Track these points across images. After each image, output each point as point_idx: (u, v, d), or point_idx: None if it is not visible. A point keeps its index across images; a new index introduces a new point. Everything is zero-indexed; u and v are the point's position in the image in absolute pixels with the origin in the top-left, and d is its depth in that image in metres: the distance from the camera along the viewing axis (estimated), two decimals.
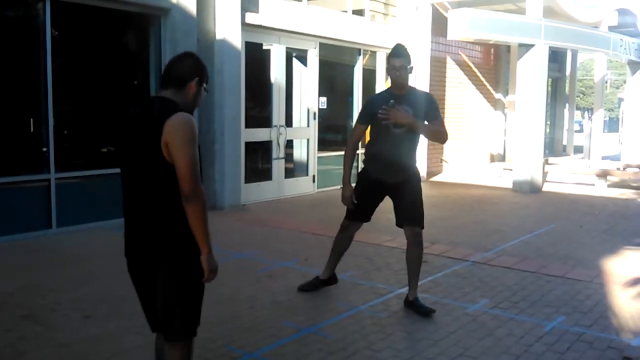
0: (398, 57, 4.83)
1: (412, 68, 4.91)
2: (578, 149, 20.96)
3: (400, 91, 4.91)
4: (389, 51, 5.04)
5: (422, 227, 5.08)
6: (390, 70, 4.89)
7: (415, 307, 4.98)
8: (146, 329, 3.13)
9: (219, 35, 9.05)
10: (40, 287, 5.44)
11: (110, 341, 4.27)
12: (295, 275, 5.96)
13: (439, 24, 13.07)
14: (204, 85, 2.99)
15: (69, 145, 7.83)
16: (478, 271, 6.26)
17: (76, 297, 5.18)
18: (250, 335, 4.41)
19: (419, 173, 5.23)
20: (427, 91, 5.29)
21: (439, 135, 5.05)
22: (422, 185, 5.22)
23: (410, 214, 5.04)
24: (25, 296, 5.19)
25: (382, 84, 13.32)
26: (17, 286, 5.45)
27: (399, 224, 5.15)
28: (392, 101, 4.77)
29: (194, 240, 2.80)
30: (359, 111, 5.37)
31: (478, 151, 15.98)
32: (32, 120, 7.57)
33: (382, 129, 4.93)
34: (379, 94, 5.28)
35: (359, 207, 5.25)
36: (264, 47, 10.35)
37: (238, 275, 5.83)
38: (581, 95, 47.41)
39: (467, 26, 11.43)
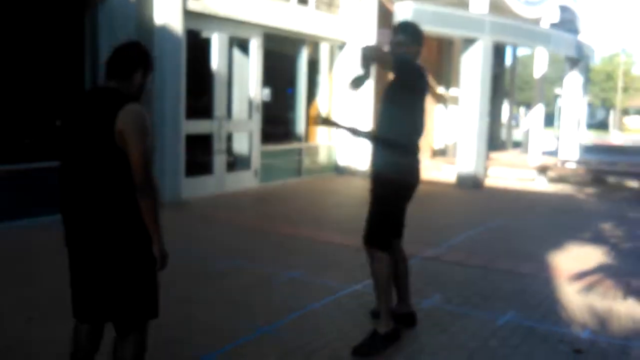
0: (396, 32, 4.35)
1: (416, 48, 4.31)
2: (516, 144, 21.40)
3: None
4: (333, 42, 4.71)
5: (368, 244, 4.35)
6: (390, 46, 4.39)
7: (362, 339, 4.20)
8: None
9: (158, 22, 8.70)
10: None
11: (58, 343, 3.98)
12: (246, 273, 5.81)
13: (384, 16, 13.00)
14: (148, 75, 2.95)
15: (3, 138, 7.39)
16: (428, 267, 6.24)
17: (16, 298, 4.91)
18: (205, 335, 4.28)
19: (398, 170, 4.28)
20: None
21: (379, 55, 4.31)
22: None
23: (365, 229, 4.38)
24: None
25: (325, 75, 13.19)
26: None
27: None
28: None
29: (144, 229, 2.79)
30: None
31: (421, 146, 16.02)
32: None
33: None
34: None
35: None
36: (206, 36, 10.04)
37: (188, 275, 5.60)
38: (518, 91, 48.68)
39: (413, 18, 11.37)
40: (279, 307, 4.90)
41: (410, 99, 4.22)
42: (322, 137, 13.28)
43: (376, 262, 4.26)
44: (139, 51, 2.91)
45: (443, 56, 17.02)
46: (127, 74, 2.85)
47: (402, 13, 11.37)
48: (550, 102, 43.30)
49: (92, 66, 8.19)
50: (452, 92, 16.54)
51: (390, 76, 4.31)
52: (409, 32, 4.33)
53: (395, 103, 4.21)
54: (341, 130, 4.38)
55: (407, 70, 4.18)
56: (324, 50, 13.08)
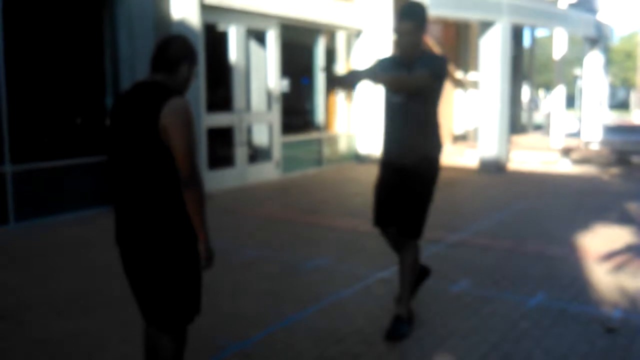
0: (402, 19, 3.97)
1: (423, 33, 4.04)
2: (537, 127, 21.23)
3: (407, 58, 4.05)
4: (349, 30, 4.43)
5: (412, 237, 4.21)
6: (395, 33, 4.07)
7: (391, 325, 4.18)
8: (126, 323, 3.01)
9: (176, 17, 8.74)
10: (6, 285, 5.21)
11: (88, 336, 4.13)
12: (272, 263, 5.84)
13: (400, 2, 12.93)
14: (195, 68, 2.95)
15: (25, 136, 7.47)
16: (456, 252, 6.24)
17: (45, 293, 4.98)
18: (236, 325, 4.31)
19: (435, 159, 4.21)
20: (443, 56, 4.46)
21: (401, 84, 3.99)
22: None
23: (402, 217, 4.21)
24: None
25: (343, 64, 13.17)
26: None
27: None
28: (323, 70, 3.77)
29: (189, 226, 2.77)
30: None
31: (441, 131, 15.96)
32: None
33: (385, 100, 4.19)
34: (386, 58, 4.34)
35: (378, 205, 4.39)
36: (223, 29, 10.06)
37: (214, 265, 5.62)
38: (537, 73, 48.19)
39: (430, 4, 11.31)
40: (306, 294, 4.92)
41: (440, 88, 4.12)
42: (341, 126, 13.28)
43: (415, 251, 4.23)
44: (184, 45, 2.90)
45: (460, 40, 16.91)
46: (173, 68, 2.84)
47: None
48: (570, 84, 42.87)
49: (111, 61, 8.26)
50: (471, 76, 16.43)
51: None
52: (417, 17, 3.99)
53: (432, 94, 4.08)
54: (362, 82, 3.86)
55: (443, 73, 4.06)
56: (340, 39, 13.05)
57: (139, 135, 2.71)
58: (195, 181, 2.71)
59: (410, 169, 4.11)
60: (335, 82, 3.82)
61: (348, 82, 3.86)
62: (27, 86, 7.53)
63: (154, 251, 2.77)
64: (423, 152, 4.13)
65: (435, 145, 4.21)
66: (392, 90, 4.06)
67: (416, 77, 3.92)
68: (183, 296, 2.85)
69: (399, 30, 4.00)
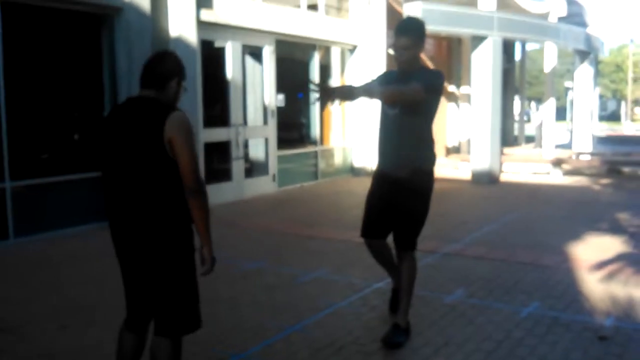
0: (400, 35, 4.05)
1: (421, 46, 4.13)
2: (528, 139, 21.40)
3: (405, 72, 4.12)
4: (343, 46, 4.53)
5: (407, 249, 4.33)
6: (393, 49, 4.16)
7: (388, 333, 4.25)
8: None
9: (173, 34, 8.88)
10: (8, 298, 5.26)
11: (92, 351, 4.17)
12: (269, 275, 5.91)
13: (393, 18, 13.11)
14: (183, 83, 3.03)
15: (24, 152, 7.56)
16: (450, 262, 6.32)
17: (46, 307, 5.03)
18: (235, 336, 4.36)
19: (429, 172, 4.29)
20: (440, 71, 4.44)
21: (397, 95, 4.01)
22: None
23: (398, 229, 4.32)
24: None
25: (337, 79, 13.31)
26: None
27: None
28: (315, 84, 3.84)
29: (190, 236, 2.88)
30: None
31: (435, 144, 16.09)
32: None
33: (381, 112, 4.29)
34: (385, 73, 4.51)
35: (367, 216, 4.48)
36: (220, 45, 10.19)
37: (213, 277, 5.64)
38: (528, 86, 48.61)
39: (422, 19, 11.49)
40: (304, 306, 4.98)
41: (435, 102, 4.21)
42: (336, 140, 13.40)
43: (410, 263, 4.31)
44: (173, 61, 2.99)
45: (452, 54, 17.10)
46: (163, 83, 2.93)
47: (410, 13, 11.46)
48: (561, 96, 43.19)
49: (110, 78, 8.35)
50: (463, 90, 16.60)
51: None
52: (414, 33, 4.06)
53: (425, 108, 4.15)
54: (356, 96, 3.91)
55: (437, 86, 4.14)
56: (335, 55, 13.21)
57: (143, 148, 2.80)
58: (200, 189, 2.82)
59: (404, 181, 4.18)
60: (330, 94, 3.83)
61: (343, 94, 3.91)
62: (26, 102, 7.62)
63: (159, 259, 2.86)
64: (417, 164, 4.20)
65: (428, 157, 4.28)
66: (387, 103, 4.14)
67: (409, 89, 3.94)
68: (186, 301, 2.95)
69: (396, 46, 4.08)
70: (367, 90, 4.03)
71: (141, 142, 2.81)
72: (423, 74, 4.10)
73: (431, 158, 4.30)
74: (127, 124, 2.88)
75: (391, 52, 4.32)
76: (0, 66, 7.05)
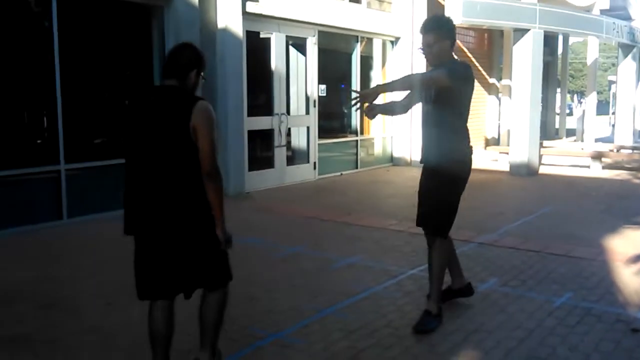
0: (424, 32, 4.26)
1: (451, 43, 4.26)
2: (569, 132, 21.18)
3: (433, 64, 4.32)
4: (385, 38, 4.73)
5: (434, 234, 4.47)
6: (421, 49, 4.35)
7: (420, 319, 4.38)
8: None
9: (220, 25, 9.12)
10: (57, 276, 5.52)
11: (136, 326, 4.31)
12: (307, 260, 6.08)
13: (435, 10, 13.15)
14: (202, 74, 3.28)
15: (78, 137, 7.90)
16: (484, 252, 6.40)
17: (94, 285, 5.27)
18: (272, 317, 4.52)
19: (461, 162, 4.39)
20: (466, 63, 4.70)
21: (421, 81, 4.30)
22: None
23: (428, 218, 4.48)
24: (44, 285, 5.26)
25: (378, 70, 13.43)
26: (34, 276, 5.52)
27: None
28: (356, 92, 4.23)
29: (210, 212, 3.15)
30: None
31: (473, 136, 16.04)
32: (41, 112, 7.66)
33: (421, 108, 4.52)
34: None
35: (418, 206, 4.59)
36: (264, 36, 10.42)
37: (252, 260, 5.94)
38: (570, 79, 47.78)
39: (463, 12, 11.53)
40: (340, 290, 5.12)
41: (465, 93, 4.35)
42: (376, 130, 13.53)
43: (440, 250, 4.43)
44: (192, 53, 3.25)
45: (494, 47, 17.01)
46: (183, 74, 3.19)
47: (452, 6, 11.52)
48: (605, 90, 42.38)
49: (160, 66, 8.61)
50: (504, 82, 16.54)
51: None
52: (437, 29, 4.22)
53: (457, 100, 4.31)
54: (396, 112, 4.48)
55: (461, 73, 4.25)
56: (376, 46, 13.33)
57: (171, 133, 3.06)
58: (216, 174, 3.09)
59: (438, 170, 4.34)
60: (372, 109, 4.24)
61: (384, 110, 4.37)
62: (80, 90, 7.94)
63: (191, 229, 3.13)
64: (451, 155, 4.33)
65: (462, 148, 4.41)
66: (413, 88, 4.38)
67: (432, 74, 4.19)
68: (221, 258, 3.28)
69: (422, 44, 4.29)
70: (388, 87, 4.36)
71: (169, 127, 3.06)
72: (449, 64, 4.25)
73: (465, 149, 4.43)
74: (156, 110, 3.13)
75: (420, 52, 4.48)
76: (56, 56, 7.38)
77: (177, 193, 3.09)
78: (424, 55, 4.38)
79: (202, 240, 3.18)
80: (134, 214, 3.21)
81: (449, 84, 4.12)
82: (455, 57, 4.51)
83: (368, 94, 4.26)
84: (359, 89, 12.63)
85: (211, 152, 3.07)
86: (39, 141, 7.88)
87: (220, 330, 3.43)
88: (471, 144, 4.50)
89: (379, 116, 12.68)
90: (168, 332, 3.31)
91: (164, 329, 3.29)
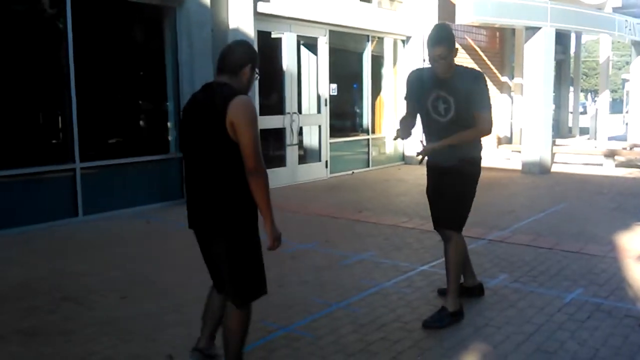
0: (435, 45, 4.17)
1: (456, 50, 4.23)
2: (583, 131, 21.08)
3: (443, 75, 4.28)
4: (396, 37, 4.70)
5: (448, 227, 4.50)
6: (429, 59, 4.26)
7: (433, 314, 4.45)
8: (183, 307, 3.39)
9: (232, 25, 9.20)
10: (73, 271, 5.63)
11: (150, 318, 4.46)
12: (317, 256, 6.15)
13: (445, 9, 13.17)
14: (256, 70, 3.23)
15: (93, 136, 8.02)
16: (495, 248, 6.43)
17: (109, 279, 5.37)
18: (282, 311, 4.58)
19: (474, 160, 4.50)
20: (476, 70, 4.64)
21: (475, 137, 4.39)
22: None
23: (442, 213, 4.54)
24: (60, 280, 5.37)
25: (390, 69, 13.46)
26: (50, 271, 5.64)
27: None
28: (424, 145, 4.41)
29: (253, 212, 3.09)
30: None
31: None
32: (56, 112, 7.78)
33: (423, 113, 4.52)
34: (422, 70, 4.65)
35: (430, 208, 4.75)
36: (276, 36, 10.50)
37: (264, 256, 5.97)
38: (584, 77, 47.49)
39: (475, 10, 11.54)
40: (350, 285, 5.18)
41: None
42: (388, 129, 13.57)
43: (455, 244, 4.46)
44: (247, 49, 3.23)
45: (506, 45, 16.97)
46: (236, 70, 3.15)
47: (463, 5, 11.54)
48: (619, 88, 42.10)
49: (172, 66, 8.76)
50: (516, 80, 16.50)
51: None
52: (448, 41, 4.20)
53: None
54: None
55: (487, 95, 4.33)
56: (387, 45, 13.37)
57: (209, 131, 3.03)
58: (260, 171, 3.01)
59: (451, 169, 4.40)
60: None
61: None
62: (94, 89, 8.05)
63: (227, 231, 3.10)
64: (464, 154, 4.39)
65: (474, 147, 4.47)
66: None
67: (483, 128, 4.31)
68: (251, 274, 3.21)
69: (433, 56, 4.20)
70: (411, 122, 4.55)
71: (207, 125, 3.04)
72: (466, 80, 4.28)
73: (477, 147, 4.50)
74: (198, 109, 3.14)
75: (426, 62, 4.45)
76: (70, 56, 7.49)
77: (217, 192, 3.06)
78: (434, 67, 4.27)
79: (239, 244, 3.13)
80: (190, 209, 3.25)
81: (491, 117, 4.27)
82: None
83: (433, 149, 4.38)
84: (370, 89, 12.69)
85: (252, 148, 2.96)
86: (54, 140, 8.01)
87: (243, 346, 3.36)
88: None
89: (390, 115, 12.80)
90: (219, 312, 3.40)
91: (217, 310, 3.40)
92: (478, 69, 15.61)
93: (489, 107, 4.30)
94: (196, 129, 3.12)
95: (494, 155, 15.26)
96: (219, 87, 3.12)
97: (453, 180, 4.43)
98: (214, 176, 3.07)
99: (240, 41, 3.37)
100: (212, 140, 3.04)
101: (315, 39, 11.26)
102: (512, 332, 4.20)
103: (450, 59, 4.21)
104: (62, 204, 7.56)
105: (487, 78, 4.57)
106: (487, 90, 4.34)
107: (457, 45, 4.33)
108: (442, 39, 4.18)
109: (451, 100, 4.25)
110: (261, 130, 9.77)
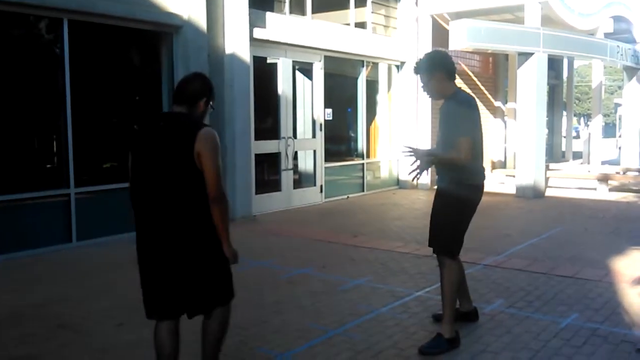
0: (416, 73, 4.56)
1: (446, 73, 4.41)
2: (576, 155, 21.19)
3: (435, 100, 4.54)
4: (390, 62, 4.89)
5: (438, 252, 4.57)
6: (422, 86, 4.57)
7: (428, 341, 4.44)
8: (182, 333, 3.39)
9: (228, 51, 9.27)
10: (69, 298, 5.60)
11: (148, 346, 4.39)
12: (314, 281, 6.14)
13: (439, 35, 13.32)
14: (211, 103, 3.41)
15: (88, 161, 8.02)
16: (491, 274, 6.43)
17: (105, 306, 5.35)
18: (279, 337, 4.57)
19: (470, 185, 4.52)
20: (466, 95, 4.57)
21: (449, 161, 4.42)
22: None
23: (431, 235, 4.64)
24: (56, 307, 5.33)
25: (384, 94, 13.55)
26: (45, 298, 5.60)
27: None
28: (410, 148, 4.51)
29: (215, 232, 3.25)
30: None
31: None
32: (52, 137, 7.80)
33: None
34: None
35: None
36: (271, 61, 10.58)
37: (260, 282, 6.01)
38: (577, 102, 47.83)
39: (468, 36, 11.67)
40: (347, 311, 5.18)
41: (469, 122, 4.41)
42: (382, 153, 13.63)
43: (449, 270, 4.47)
44: (202, 82, 3.38)
45: (499, 70, 17.14)
46: (193, 102, 3.32)
47: (456, 31, 11.66)
48: (611, 112, 42.43)
49: (169, 91, 8.77)
50: (509, 105, 16.64)
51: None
52: (424, 69, 4.41)
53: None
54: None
55: (469, 115, 4.38)
56: (382, 70, 13.47)
57: (175, 158, 3.16)
58: (221, 198, 3.20)
59: (440, 191, 4.57)
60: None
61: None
62: (90, 114, 8.07)
63: (194, 250, 3.22)
64: (459, 177, 4.43)
65: (470, 171, 4.48)
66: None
67: (452, 154, 4.31)
68: (222, 281, 3.36)
69: (421, 81, 4.52)
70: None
71: (174, 153, 3.17)
72: (448, 105, 4.40)
73: (471, 172, 4.50)
74: (162, 136, 3.24)
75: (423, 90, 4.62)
76: (67, 81, 7.52)
77: (180, 216, 3.18)
78: (426, 93, 4.55)
79: (205, 260, 3.26)
80: (140, 236, 3.36)
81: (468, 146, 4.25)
82: (458, 87, 4.57)
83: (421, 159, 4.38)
84: (365, 114, 12.76)
85: (216, 177, 3.17)
86: (49, 165, 8.01)
87: (221, 346, 3.51)
88: (484, 169, 4.64)
89: (385, 139, 12.90)
90: (173, 351, 3.38)
91: (169, 349, 3.37)
92: (472, 94, 15.82)
93: (463, 133, 4.26)
94: (160, 157, 3.21)
95: (488, 179, 15.30)
96: (182, 117, 3.28)
97: (442, 202, 4.52)
98: (176, 201, 3.18)
99: (196, 74, 3.48)
100: (177, 168, 3.17)
101: (311, 64, 11.35)
102: (509, 358, 4.19)
103: (431, 86, 4.42)
104: (56, 230, 7.54)
105: (480, 103, 4.66)
106: (467, 115, 4.35)
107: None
108: (419, 67, 4.46)
109: (440, 124, 4.48)
110: (256, 154, 9.97)
